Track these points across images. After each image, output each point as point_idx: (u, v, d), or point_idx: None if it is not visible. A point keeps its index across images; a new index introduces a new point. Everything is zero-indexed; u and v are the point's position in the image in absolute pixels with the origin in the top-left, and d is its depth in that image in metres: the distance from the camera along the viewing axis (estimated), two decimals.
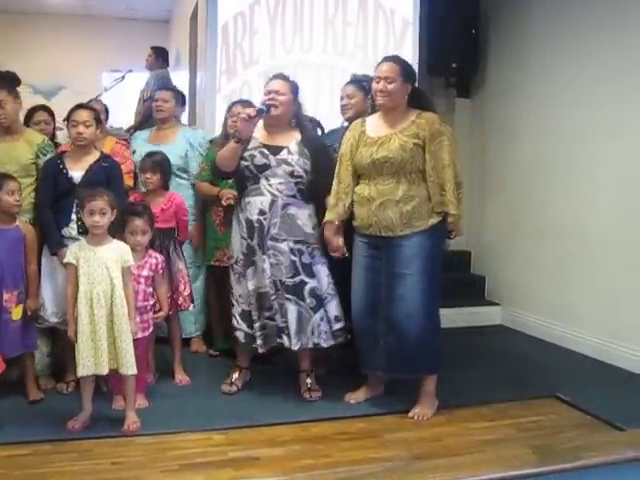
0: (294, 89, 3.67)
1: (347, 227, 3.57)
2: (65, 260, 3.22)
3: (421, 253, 3.37)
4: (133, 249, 3.36)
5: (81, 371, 3.14)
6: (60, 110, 4.45)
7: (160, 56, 6.90)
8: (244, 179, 3.65)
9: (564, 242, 4.96)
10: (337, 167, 3.57)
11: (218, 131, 5.13)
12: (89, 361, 3.14)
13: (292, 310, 3.55)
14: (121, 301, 3.17)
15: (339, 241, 3.53)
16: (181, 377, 3.91)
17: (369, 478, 2.81)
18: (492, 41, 5.90)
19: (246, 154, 3.61)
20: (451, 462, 2.96)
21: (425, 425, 3.39)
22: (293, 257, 3.57)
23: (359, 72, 4.37)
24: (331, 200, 3.56)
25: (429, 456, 3.02)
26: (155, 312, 3.59)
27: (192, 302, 3.97)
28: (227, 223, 4.10)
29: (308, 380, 3.70)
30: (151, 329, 3.57)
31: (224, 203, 4.10)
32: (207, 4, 5.52)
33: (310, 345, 3.60)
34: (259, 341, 3.63)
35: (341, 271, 3.68)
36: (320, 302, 3.60)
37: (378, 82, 3.42)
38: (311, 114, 4.13)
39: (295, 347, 3.57)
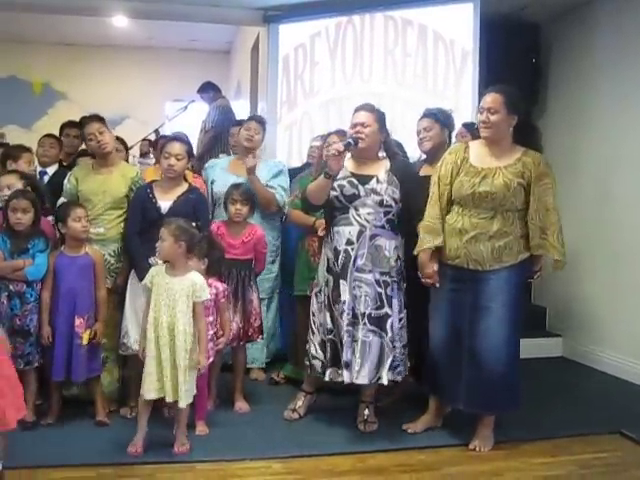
0: (380, 119, 3.62)
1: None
2: (143, 282, 3.35)
3: (507, 287, 3.32)
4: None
5: (145, 394, 3.23)
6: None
7: (211, 90, 6.97)
8: (333, 209, 3.64)
9: (630, 272, 4.86)
10: (435, 189, 3.48)
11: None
12: (152, 385, 3.22)
13: (375, 343, 3.49)
14: (184, 335, 3.23)
15: (434, 267, 3.46)
16: (241, 404, 3.93)
17: None
18: (553, 70, 5.86)
19: (335, 184, 3.57)
20: None
21: (485, 458, 3.34)
22: (379, 289, 3.53)
23: (420, 101, 4.38)
24: (434, 224, 3.44)
25: None
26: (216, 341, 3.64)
27: (261, 334, 3.99)
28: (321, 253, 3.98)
29: (366, 412, 3.67)
30: (211, 359, 3.61)
31: (320, 234, 4.04)
32: (268, 36, 5.66)
33: (384, 381, 3.51)
34: (329, 370, 3.60)
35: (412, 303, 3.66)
36: (394, 335, 3.55)
37: (482, 113, 3.35)
38: None
39: (361, 381, 3.49)
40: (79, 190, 3.87)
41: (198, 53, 9.74)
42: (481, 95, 3.47)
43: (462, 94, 5.04)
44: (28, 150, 4.18)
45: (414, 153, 4.15)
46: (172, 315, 3.24)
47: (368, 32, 5.29)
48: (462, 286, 3.38)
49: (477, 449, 3.40)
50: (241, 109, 7.52)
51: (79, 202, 3.76)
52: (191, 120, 6.94)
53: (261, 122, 4.53)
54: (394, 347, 3.53)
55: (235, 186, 3.98)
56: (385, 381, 3.50)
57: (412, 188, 3.59)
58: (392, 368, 3.53)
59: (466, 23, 5.11)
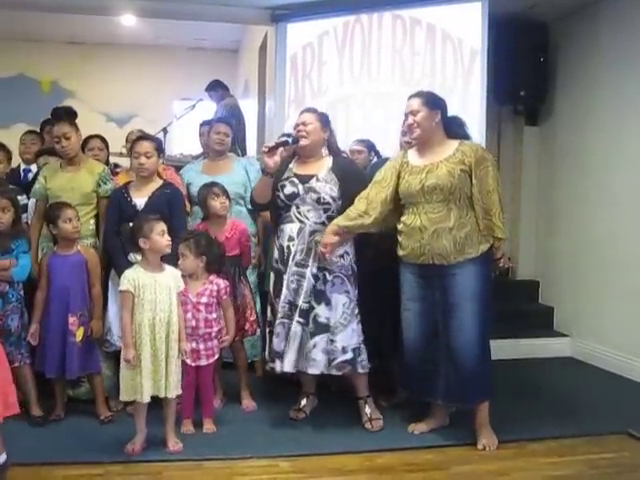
0: (321, 119, 3.77)
1: (394, 259, 3.58)
2: (123, 288, 3.26)
3: (475, 281, 3.38)
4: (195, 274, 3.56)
5: (144, 398, 3.21)
6: None
7: (219, 88, 6.98)
8: (278, 208, 3.76)
9: (638, 272, 4.85)
10: (367, 190, 3.58)
11: None
12: (148, 385, 3.21)
13: (298, 332, 3.56)
14: (177, 327, 3.29)
15: (333, 240, 3.52)
16: (248, 402, 3.95)
17: None
18: (561, 69, 5.85)
19: (278, 184, 3.73)
20: None
21: (492, 458, 3.34)
22: (312, 282, 3.60)
23: None
24: (350, 212, 3.55)
25: None
26: (220, 337, 3.65)
27: (258, 327, 4.02)
28: None
29: (367, 409, 3.69)
30: (216, 356, 3.63)
31: None
32: (276, 35, 5.65)
33: (306, 369, 3.59)
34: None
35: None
36: (322, 329, 3.57)
37: (407, 118, 3.51)
38: (381, 143, 4.19)
39: (286, 369, 3.57)
40: (48, 188, 3.90)
41: (206, 52, 9.74)
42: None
43: (470, 93, 5.02)
44: (2, 149, 4.18)
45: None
46: (166, 310, 3.26)
47: (376, 31, 5.27)
48: (429, 283, 3.45)
49: (487, 448, 3.40)
50: (249, 108, 7.53)
51: (48, 200, 3.83)
52: (199, 119, 6.93)
53: (229, 124, 4.65)
54: (313, 337, 3.55)
55: (210, 184, 4.00)
56: (305, 369, 3.58)
57: (354, 185, 3.65)
58: (308, 359, 3.56)
59: (474, 22, 5.06)
